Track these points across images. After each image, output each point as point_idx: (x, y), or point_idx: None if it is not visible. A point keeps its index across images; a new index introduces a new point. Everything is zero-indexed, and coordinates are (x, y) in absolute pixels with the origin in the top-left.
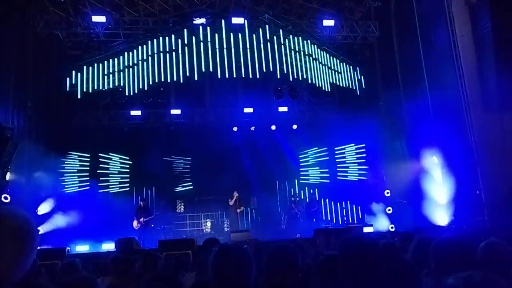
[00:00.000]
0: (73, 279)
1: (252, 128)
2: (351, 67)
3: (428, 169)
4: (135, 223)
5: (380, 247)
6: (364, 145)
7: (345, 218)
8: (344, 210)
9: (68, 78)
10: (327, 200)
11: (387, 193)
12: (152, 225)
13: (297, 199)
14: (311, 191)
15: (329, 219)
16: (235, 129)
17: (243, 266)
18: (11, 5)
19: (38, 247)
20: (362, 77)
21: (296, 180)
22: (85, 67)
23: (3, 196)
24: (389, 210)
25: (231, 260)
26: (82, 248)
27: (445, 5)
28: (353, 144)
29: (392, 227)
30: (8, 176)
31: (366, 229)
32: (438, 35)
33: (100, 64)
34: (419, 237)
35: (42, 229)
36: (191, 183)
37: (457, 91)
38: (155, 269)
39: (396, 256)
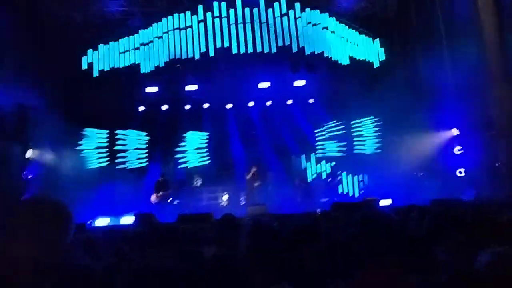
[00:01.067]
0: None
1: (269, 103)
2: (369, 39)
3: (448, 141)
4: (153, 197)
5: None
6: (381, 117)
7: (361, 191)
8: (361, 183)
9: (84, 57)
10: (344, 173)
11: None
12: (171, 199)
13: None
14: (331, 163)
15: (345, 192)
16: (251, 104)
17: (274, 245)
18: None
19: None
20: (381, 49)
21: (312, 154)
22: (101, 45)
23: (24, 173)
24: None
25: (264, 237)
26: (102, 221)
27: None
28: (371, 117)
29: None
30: (28, 154)
31: (383, 202)
32: (459, 5)
33: (116, 43)
34: (433, 212)
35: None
36: (208, 158)
37: (478, 63)
38: (176, 242)
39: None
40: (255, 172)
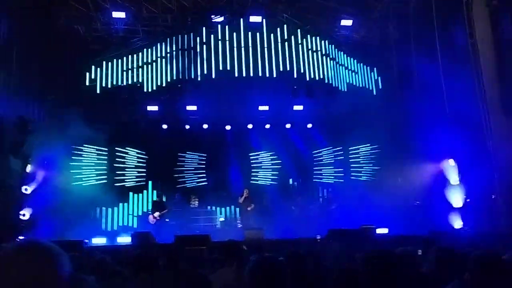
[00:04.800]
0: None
1: (267, 126)
2: (368, 67)
3: (444, 172)
4: (150, 218)
5: (398, 258)
6: (379, 145)
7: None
8: (357, 210)
9: (87, 73)
10: (340, 199)
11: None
12: (167, 220)
13: (300, 198)
14: (330, 189)
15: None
16: (250, 126)
17: (279, 279)
18: (33, 0)
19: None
20: (379, 77)
21: (309, 179)
22: (104, 62)
23: (23, 187)
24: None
25: (268, 273)
26: (99, 240)
27: (464, 7)
28: (368, 144)
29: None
30: (28, 168)
31: (380, 230)
32: (456, 37)
33: (120, 60)
34: (438, 247)
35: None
36: (205, 179)
37: (476, 95)
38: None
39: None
40: (247, 195)
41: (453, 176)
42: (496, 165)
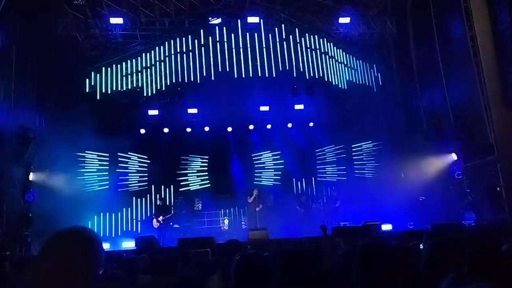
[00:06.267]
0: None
1: (269, 126)
2: (367, 64)
3: (447, 166)
4: (154, 222)
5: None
6: (381, 142)
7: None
8: (361, 207)
9: (87, 80)
10: (343, 197)
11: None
12: (171, 223)
13: (304, 197)
14: (333, 187)
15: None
16: (251, 127)
17: (264, 276)
18: (31, 8)
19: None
20: (378, 74)
21: (313, 178)
22: (103, 68)
23: (27, 195)
24: (422, 198)
25: (252, 270)
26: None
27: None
28: (370, 141)
29: (410, 224)
30: (31, 176)
31: (385, 227)
32: (455, 30)
33: (119, 65)
34: (432, 241)
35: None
36: (208, 181)
37: (476, 87)
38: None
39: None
40: (256, 195)
41: (455, 170)
42: (499, 157)
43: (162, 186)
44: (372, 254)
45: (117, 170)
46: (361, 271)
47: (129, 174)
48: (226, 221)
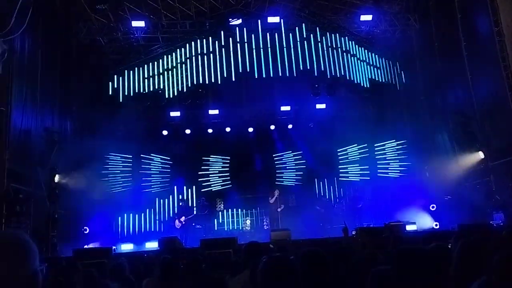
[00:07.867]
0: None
1: (290, 126)
2: (390, 62)
3: (473, 164)
4: (176, 223)
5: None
6: (405, 141)
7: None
8: (385, 207)
9: (110, 83)
10: (367, 197)
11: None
12: (194, 224)
13: (325, 198)
14: (356, 187)
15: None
16: (272, 127)
17: (290, 278)
18: (55, 14)
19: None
20: (402, 72)
21: (335, 178)
22: (126, 71)
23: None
24: (432, 207)
25: (279, 272)
26: (127, 247)
27: None
28: (394, 140)
29: (436, 225)
30: (56, 179)
31: (409, 227)
32: (480, 25)
33: (141, 68)
34: (463, 241)
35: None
36: (230, 182)
37: (503, 83)
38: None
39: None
40: (277, 196)
41: (483, 169)
42: None
43: (184, 187)
44: (409, 257)
45: (140, 171)
46: (399, 277)
47: (152, 175)
48: (248, 222)
